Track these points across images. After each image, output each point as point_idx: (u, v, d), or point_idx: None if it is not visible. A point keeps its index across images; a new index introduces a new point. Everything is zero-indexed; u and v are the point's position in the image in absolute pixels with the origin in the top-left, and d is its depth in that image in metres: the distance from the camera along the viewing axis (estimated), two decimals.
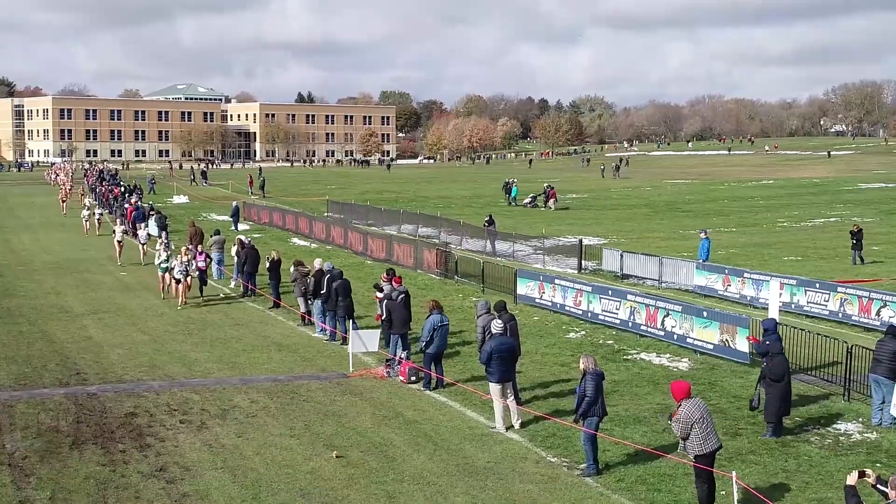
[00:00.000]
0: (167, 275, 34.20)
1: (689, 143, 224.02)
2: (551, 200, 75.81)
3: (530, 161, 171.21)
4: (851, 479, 11.59)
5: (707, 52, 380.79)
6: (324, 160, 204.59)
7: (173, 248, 36.71)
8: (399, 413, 21.02)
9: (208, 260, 36.59)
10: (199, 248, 36.63)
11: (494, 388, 19.86)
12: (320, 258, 31.69)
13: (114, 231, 46.86)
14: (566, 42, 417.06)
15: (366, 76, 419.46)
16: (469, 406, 21.57)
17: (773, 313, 25.37)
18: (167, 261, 34.11)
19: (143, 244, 45.63)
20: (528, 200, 77.51)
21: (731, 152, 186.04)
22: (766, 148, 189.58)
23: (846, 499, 11.49)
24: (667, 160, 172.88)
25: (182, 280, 33.20)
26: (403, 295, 24.90)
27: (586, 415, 17.28)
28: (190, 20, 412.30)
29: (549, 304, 32.66)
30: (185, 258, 33.63)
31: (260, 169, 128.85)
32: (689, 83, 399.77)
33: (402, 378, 23.65)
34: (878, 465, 17.51)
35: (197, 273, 34.66)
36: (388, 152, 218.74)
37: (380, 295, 25.50)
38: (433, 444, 19.00)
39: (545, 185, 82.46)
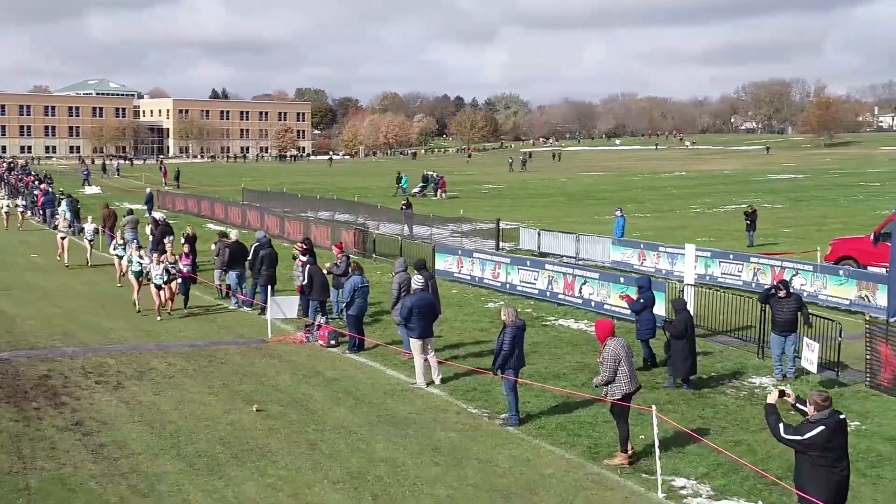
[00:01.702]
0: (141, 279, 28.33)
1: (618, 140, 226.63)
2: (440, 190, 76.74)
3: (469, 155, 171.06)
4: (772, 398, 11.80)
5: (622, 52, 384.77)
6: (244, 155, 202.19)
7: (142, 250, 30.04)
8: (319, 372, 20.91)
9: (193, 261, 29.99)
10: (185, 248, 29.92)
11: (415, 344, 19.86)
12: (236, 230, 31.26)
13: (55, 226, 42.86)
14: (482, 41, 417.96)
15: (281, 74, 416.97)
16: (390, 366, 21.56)
17: (689, 277, 25.76)
18: (139, 263, 28.28)
19: (89, 241, 37.13)
20: (416, 190, 78.20)
21: (658, 147, 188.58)
22: (687, 143, 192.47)
23: (766, 416, 11.67)
24: (589, 154, 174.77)
25: (163, 286, 26.96)
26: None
27: (504, 367, 17.31)
28: (101, 16, 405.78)
29: (468, 277, 32.74)
30: (169, 259, 27.50)
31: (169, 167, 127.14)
32: (603, 82, 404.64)
33: (321, 342, 23.54)
34: (791, 412, 17.77)
35: (178, 279, 28.12)
36: (303, 148, 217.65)
37: (303, 259, 25.33)
38: (353, 398, 18.94)
39: (434, 174, 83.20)
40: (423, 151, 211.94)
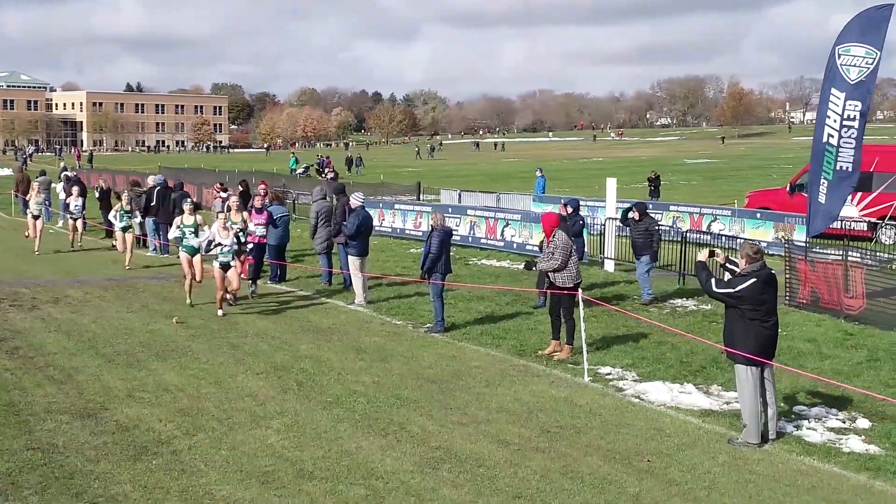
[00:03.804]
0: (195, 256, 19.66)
1: (550, 133, 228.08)
2: (327, 169, 77.32)
3: (432, 148, 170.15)
4: (702, 255, 11.87)
5: (541, 50, 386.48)
6: (159, 148, 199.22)
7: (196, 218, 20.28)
8: (241, 297, 20.60)
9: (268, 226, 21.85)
10: (253, 207, 21.83)
11: (355, 262, 19.71)
12: (153, 176, 30.71)
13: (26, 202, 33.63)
14: (403, 39, 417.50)
15: (197, 70, 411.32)
16: (312, 291, 21.37)
17: (611, 210, 25.85)
18: (193, 234, 19.62)
19: (73, 219, 29.37)
20: (300, 171, 78.55)
21: (597, 139, 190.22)
22: (612, 134, 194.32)
23: (697, 273, 11.73)
24: (523, 145, 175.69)
25: (233, 263, 18.72)
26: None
27: (431, 271, 17.24)
28: (13, 10, 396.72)
29: (390, 230, 32.57)
30: (231, 224, 19.30)
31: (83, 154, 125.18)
32: (523, 80, 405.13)
33: (243, 276, 23.16)
34: (713, 323, 17.97)
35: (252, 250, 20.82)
36: (220, 142, 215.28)
37: (223, 195, 25.01)
38: (276, 313, 18.76)
39: (319, 156, 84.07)
40: (344, 144, 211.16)
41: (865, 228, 29.99)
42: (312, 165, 79.93)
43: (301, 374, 14.17)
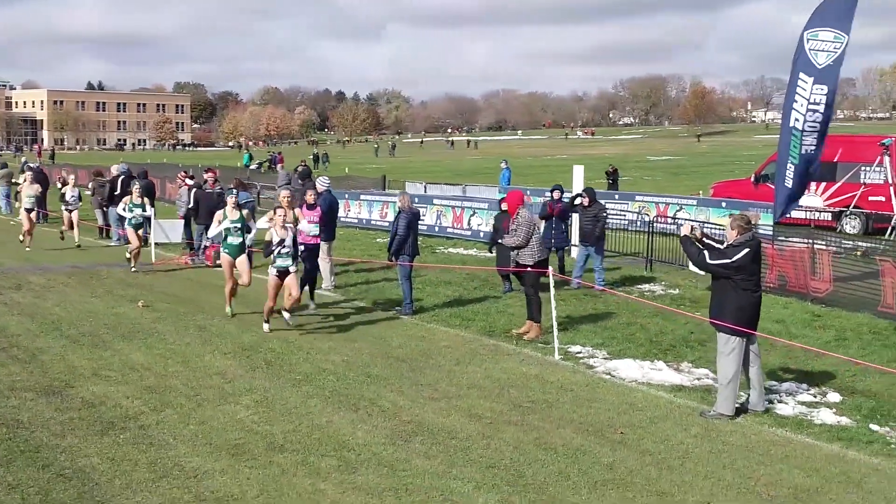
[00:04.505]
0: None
1: (519, 132, 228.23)
2: (279, 166, 77.50)
3: (393, 146, 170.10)
4: (685, 230, 11.82)
5: (505, 50, 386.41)
6: (122, 146, 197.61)
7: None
8: (208, 283, 20.49)
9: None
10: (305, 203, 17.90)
11: (322, 246, 19.51)
12: (117, 165, 30.38)
13: (16, 194, 32.54)
14: (367, 38, 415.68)
15: (159, 69, 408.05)
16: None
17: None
18: (239, 232, 17.24)
19: (69, 210, 27.17)
20: (254, 166, 78.75)
21: (569, 137, 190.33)
22: (578, 133, 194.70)
23: (686, 248, 11.70)
24: (489, 143, 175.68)
25: (293, 268, 15.52)
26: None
27: (398, 253, 17.14)
28: None
29: (356, 220, 32.43)
30: (284, 221, 15.54)
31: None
32: (486, 79, 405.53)
33: (207, 263, 23.03)
34: (681, 306, 18.00)
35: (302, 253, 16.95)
36: (183, 140, 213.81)
37: (190, 182, 24.78)
38: (244, 298, 18.52)
39: (271, 152, 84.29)
40: (312, 142, 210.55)
41: (830, 218, 30.18)
42: (265, 162, 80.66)
43: (269, 354, 14.04)
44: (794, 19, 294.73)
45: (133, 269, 21.80)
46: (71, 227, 26.98)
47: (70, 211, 27.05)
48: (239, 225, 16.97)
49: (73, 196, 27.06)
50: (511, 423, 10.94)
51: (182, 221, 24.40)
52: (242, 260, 17.07)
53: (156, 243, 24.13)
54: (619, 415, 11.34)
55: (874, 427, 10.88)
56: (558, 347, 14.29)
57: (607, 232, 25.48)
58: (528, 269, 15.43)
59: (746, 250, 11.13)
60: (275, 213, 15.37)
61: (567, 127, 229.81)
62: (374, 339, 15.15)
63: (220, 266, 21.49)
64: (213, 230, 17.43)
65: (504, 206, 19.42)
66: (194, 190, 24.14)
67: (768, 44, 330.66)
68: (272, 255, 15.30)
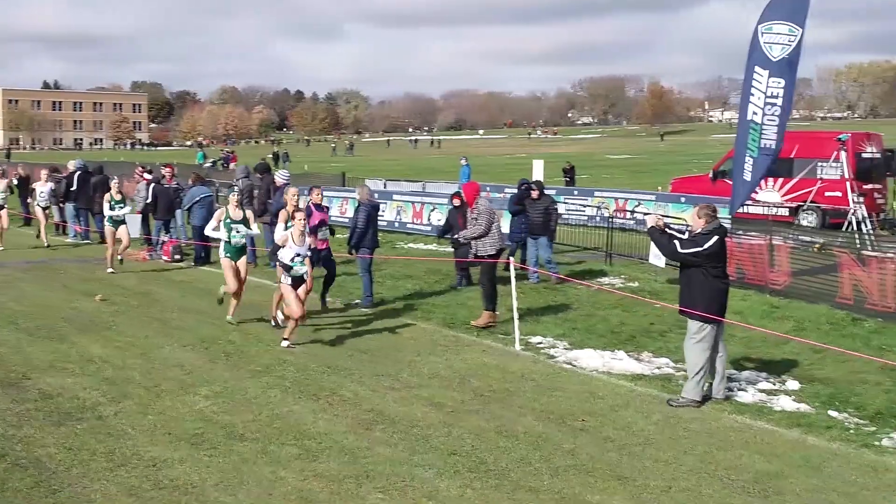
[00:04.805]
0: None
1: (481, 131, 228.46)
2: (231, 164, 77.74)
3: (351, 145, 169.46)
4: (651, 221, 11.84)
5: (464, 50, 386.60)
6: (80, 146, 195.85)
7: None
8: (165, 277, 20.37)
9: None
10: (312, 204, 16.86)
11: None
12: (74, 161, 30.06)
13: None
14: (326, 38, 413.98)
15: (116, 68, 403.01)
16: None
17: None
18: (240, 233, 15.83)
19: (40, 205, 26.62)
20: (208, 164, 78.79)
21: (531, 136, 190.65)
22: (538, 133, 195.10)
23: (657, 239, 11.69)
24: (451, 142, 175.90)
25: (307, 276, 14.30)
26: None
27: (358, 246, 17.10)
28: None
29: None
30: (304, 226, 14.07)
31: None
32: (446, 79, 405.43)
33: (165, 258, 22.86)
34: (642, 299, 18.05)
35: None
36: (140, 139, 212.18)
37: (148, 177, 24.58)
38: (199, 292, 18.49)
39: (224, 150, 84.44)
40: (272, 141, 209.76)
41: (787, 214, 30.40)
42: (218, 160, 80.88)
43: (229, 346, 13.95)
44: (750, 19, 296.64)
45: (109, 270, 20.70)
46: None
47: (44, 208, 26.61)
48: (241, 225, 15.55)
49: (42, 193, 26.62)
50: (472, 411, 10.92)
51: (140, 217, 24.13)
52: (243, 262, 15.63)
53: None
54: (580, 403, 11.35)
55: (833, 413, 10.96)
56: (519, 338, 14.28)
57: (567, 228, 25.81)
58: (486, 259, 15.41)
59: (716, 238, 11.19)
60: (291, 216, 14.17)
61: (530, 126, 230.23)
62: (335, 330, 15.08)
63: (178, 260, 21.49)
64: (212, 231, 15.79)
65: (456, 203, 19.43)
66: (152, 185, 23.94)
67: (725, 44, 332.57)
68: (287, 263, 13.72)
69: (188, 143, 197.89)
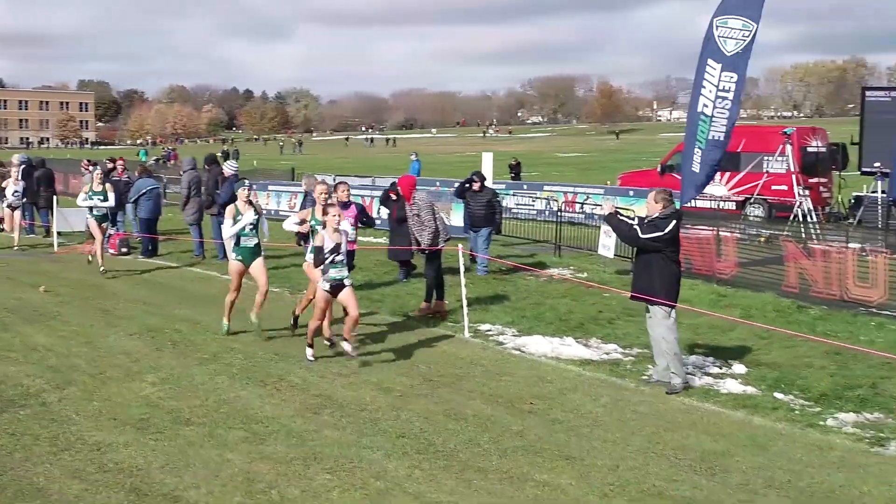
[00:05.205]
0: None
1: (434, 130, 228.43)
2: (172, 160, 77.74)
3: (300, 143, 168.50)
4: (608, 208, 11.86)
5: (414, 49, 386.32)
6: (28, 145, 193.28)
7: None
8: (111, 269, 20.05)
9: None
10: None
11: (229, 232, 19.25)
12: (17, 155, 29.68)
13: None
14: (277, 37, 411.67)
15: (63, 67, 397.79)
16: (187, 264, 20.94)
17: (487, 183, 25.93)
18: (254, 231, 14.16)
19: (12, 208, 24.95)
20: (151, 162, 78.78)
21: (486, 136, 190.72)
22: (490, 132, 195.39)
23: (617, 226, 11.68)
24: (406, 141, 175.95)
25: (348, 282, 12.51)
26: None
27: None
28: None
29: (264, 211, 32.00)
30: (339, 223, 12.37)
31: None
32: (396, 78, 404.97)
33: (112, 251, 22.61)
34: (590, 289, 18.13)
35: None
36: (87, 139, 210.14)
37: (91, 168, 24.32)
38: (150, 283, 18.30)
39: (165, 148, 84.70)
40: (222, 140, 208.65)
41: (735, 207, 30.65)
42: (160, 158, 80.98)
43: (176, 335, 13.83)
44: (698, 20, 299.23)
45: (102, 270, 19.11)
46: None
47: (14, 209, 24.84)
48: (255, 224, 13.84)
49: (17, 193, 25.13)
50: (421, 395, 10.90)
51: (85, 209, 23.86)
52: (258, 265, 13.92)
53: (58, 232, 23.63)
54: (528, 387, 11.36)
55: (779, 395, 11.05)
56: (468, 325, 14.29)
57: (517, 222, 25.91)
58: (429, 251, 15.40)
59: (675, 221, 11.24)
60: (325, 212, 12.41)
61: (484, 125, 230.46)
62: (283, 320, 14.95)
63: (125, 253, 21.27)
64: (228, 229, 13.76)
65: (393, 197, 19.25)
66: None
67: (674, 44, 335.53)
68: (323, 265, 12.11)
69: (139, 141, 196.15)
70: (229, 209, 13.91)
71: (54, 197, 25.49)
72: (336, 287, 12.15)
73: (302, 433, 9.43)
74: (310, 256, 12.77)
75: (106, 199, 19.59)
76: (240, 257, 13.72)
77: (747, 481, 8.44)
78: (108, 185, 19.48)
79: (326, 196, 13.66)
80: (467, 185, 20.13)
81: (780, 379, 11.73)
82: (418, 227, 15.38)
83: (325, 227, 12.20)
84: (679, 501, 7.95)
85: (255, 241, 13.83)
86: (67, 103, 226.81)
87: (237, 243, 13.71)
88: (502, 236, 24.17)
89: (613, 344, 13.49)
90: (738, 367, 12.29)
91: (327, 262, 12.01)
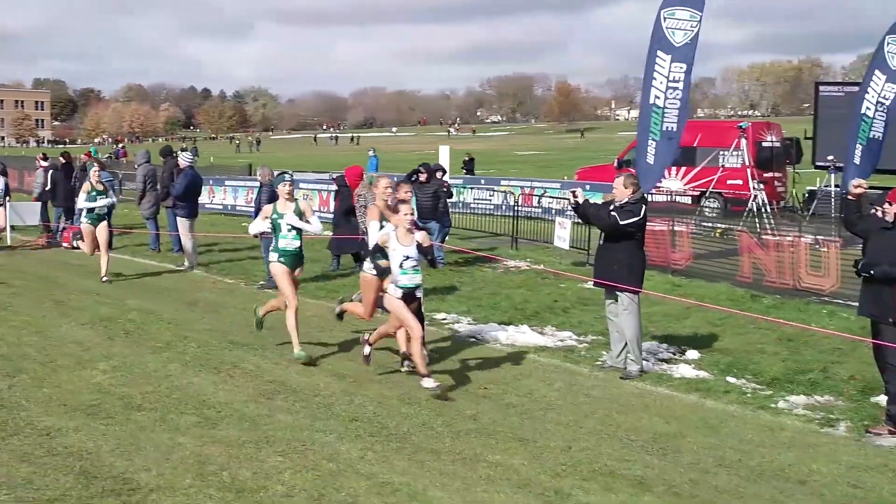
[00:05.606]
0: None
1: (394, 129, 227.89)
2: (122, 158, 77.66)
3: (257, 141, 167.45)
4: (580, 196, 11.80)
5: (373, 49, 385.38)
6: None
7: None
8: (66, 262, 20.01)
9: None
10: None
11: (185, 224, 19.15)
12: None
13: None
14: (235, 36, 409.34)
15: (18, 65, 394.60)
16: (141, 257, 20.81)
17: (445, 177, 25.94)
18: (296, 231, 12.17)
19: None
20: (105, 157, 78.82)
21: (451, 135, 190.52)
22: (453, 131, 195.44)
23: (594, 214, 11.69)
24: (368, 139, 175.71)
25: (419, 292, 11.18)
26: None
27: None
28: None
29: (220, 207, 31.98)
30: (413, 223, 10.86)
31: None
32: (355, 77, 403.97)
33: (66, 244, 22.43)
34: (546, 279, 18.20)
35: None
36: (44, 137, 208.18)
37: (44, 164, 24.10)
38: (98, 276, 18.10)
39: (115, 146, 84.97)
40: (182, 139, 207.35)
41: (690, 202, 30.82)
42: (110, 155, 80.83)
43: (129, 324, 13.73)
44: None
45: (104, 279, 17.56)
46: None
47: None
48: (297, 225, 11.98)
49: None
50: (375, 381, 10.89)
51: (38, 204, 23.70)
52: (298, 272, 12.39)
53: (11, 227, 23.39)
54: (483, 372, 11.38)
55: (730, 379, 11.14)
56: (423, 314, 14.24)
57: (474, 216, 25.97)
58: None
59: (645, 206, 11.29)
60: (395, 209, 11.12)
61: (447, 124, 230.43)
62: (238, 309, 14.93)
63: (77, 248, 21.06)
64: (257, 226, 12.53)
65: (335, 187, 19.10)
66: (50, 171, 23.50)
67: (632, 44, 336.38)
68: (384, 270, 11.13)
69: (97, 140, 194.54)
70: (266, 209, 12.36)
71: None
72: (408, 294, 10.73)
73: (255, 418, 9.38)
74: (368, 266, 11.44)
75: (106, 198, 18.46)
76: (283, 259, 11.99)
77: (698, 461, 8.50)
78: (106, 183, 18.71)
79: (391, 191, 11.83)
80: (413, 178, 19.95)
81: (733, 364, 11.83)
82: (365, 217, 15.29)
83: (395, 228, 10.73)
84: (631, 480, 7.99)
85: (299, 243, 12.06)
86: (23, 102, 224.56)
87: (276, 245, 12.04)
88: (460, 229, 24.24)
89: (568, 331, 13.55)
90: (692, 353, 12.39)
91: (400, 270, 10.62)
